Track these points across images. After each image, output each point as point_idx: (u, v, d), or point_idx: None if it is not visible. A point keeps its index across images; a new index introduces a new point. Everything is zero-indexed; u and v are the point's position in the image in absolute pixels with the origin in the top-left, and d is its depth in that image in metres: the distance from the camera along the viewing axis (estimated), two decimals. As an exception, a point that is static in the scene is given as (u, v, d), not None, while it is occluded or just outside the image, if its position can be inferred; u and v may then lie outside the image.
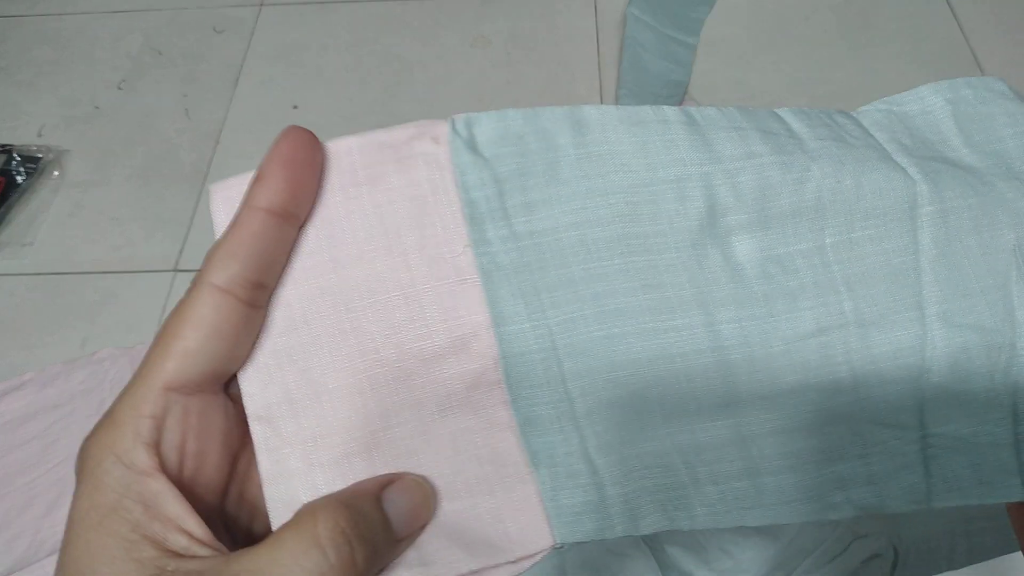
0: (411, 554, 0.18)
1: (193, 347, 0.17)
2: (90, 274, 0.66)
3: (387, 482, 0.18)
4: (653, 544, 0.45)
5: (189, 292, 0.17)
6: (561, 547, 0.18)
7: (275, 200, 0.17)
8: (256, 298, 0.18)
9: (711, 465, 0.19)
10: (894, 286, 0.19)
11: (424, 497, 0.18)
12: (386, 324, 0.18)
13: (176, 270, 0.65)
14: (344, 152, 0.19)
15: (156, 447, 0.17)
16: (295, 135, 0.18)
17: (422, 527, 0.18)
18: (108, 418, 0.17)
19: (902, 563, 0.38)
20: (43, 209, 0.70)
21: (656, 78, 0.71)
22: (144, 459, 0.16)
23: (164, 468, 0.17)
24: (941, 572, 0.38)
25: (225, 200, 0.18)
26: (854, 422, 0.19)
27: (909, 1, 0.77)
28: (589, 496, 0.18)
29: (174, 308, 0.17)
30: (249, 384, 0.18)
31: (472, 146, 0.19)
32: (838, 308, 0.19)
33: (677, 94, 0.71)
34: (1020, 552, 0.24)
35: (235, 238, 0.17)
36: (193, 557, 0.16)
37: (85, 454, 0.17)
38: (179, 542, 0.16)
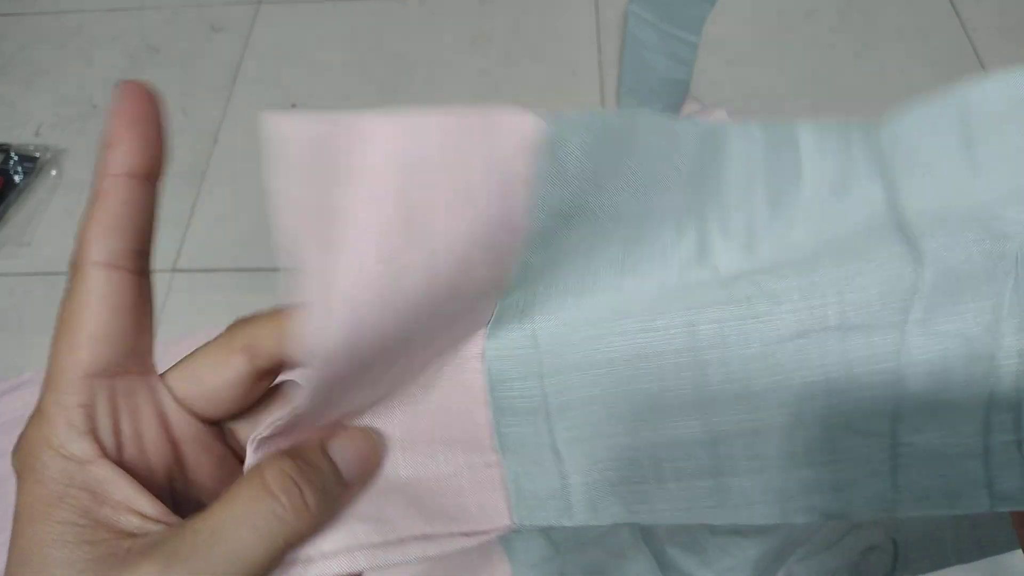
0: (367, 508, 0.18)
1: (102, 330, 0.17)
2: (88, 274, 0.66)
3: (331, 434, 0.18)
4: (653, 545, 0.45)
5: (75, 278, 0.17)
6: (517, 529, 0.19)
7: (136, 163, 0.17)
8: (142, 266, 0.17)
9: (677, 462, 0.19)
10: (884, 289, 0.19)
11: (371, 445, 0.18)
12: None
13: (174, 270, 0.65)
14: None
15: (93, 434, 0.16)
16: (133, 92, 0.17)
17: (372, 473, 0.19)
18: (37, 414, 0.17)
19: (903, 556, 0.38)
20: (41, 209, 0.70)
21: (658, 76, 0.71)
22: (84, 447, 0.16)
23: (105, 454, 0.16)
24: (950, 565, 0.37)
25: (306, 142, 0.14)
26: (825, 427, 0.19)
27: (911, -1, 0.77)
28: (552, 484, 0.19)
29: (66, 297, 0.17)
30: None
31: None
32: (822, 313, 0.19)
33: (679, 92, 0.71)
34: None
35: (107, 210, 0.17)
36: (147, 535, 0.16)
37: (21, 453, 0.16)
38: (132, 523, 0.16)
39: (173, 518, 0.17)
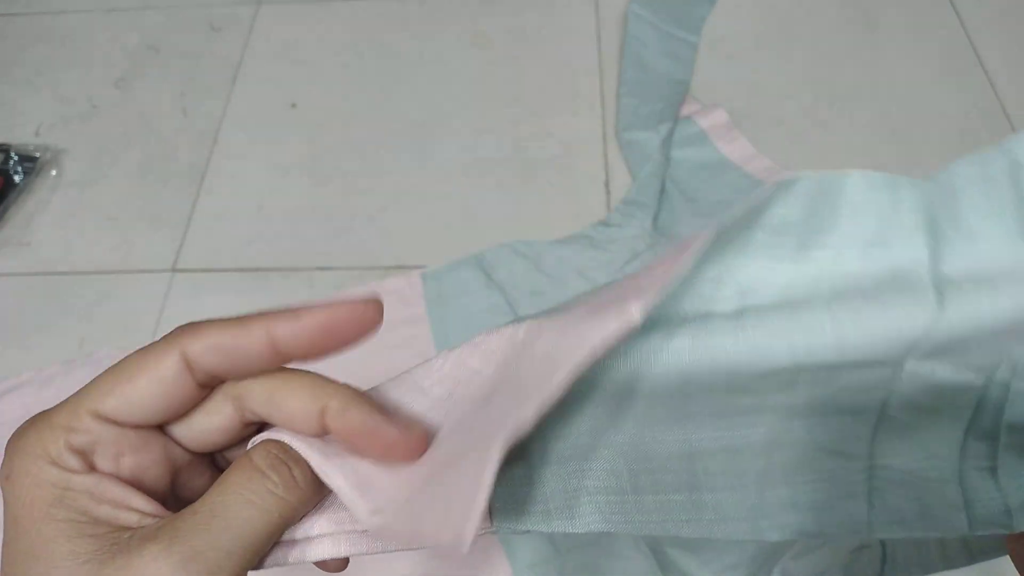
0: None
1: (138, 399, 0.18)
2: (88, 274, 0.66)
3: None
4: (654, 546, 0.45)
5: (163, 345, 0.18)
6: (495, 532, 0.19)
7: (292, 346, 0.18)
8: (210, 384, 0.19)
9: (654, 475, 0.19)
10: (890, 328, 0.17)
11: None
12: None
13: (174, 270, 0.65)
14: None
15: (87, 456, 0.17)
16: (364, 310, 0.18)
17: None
18: (44, 419, 0.17)
19: (891, 558, 0.38)
20: (40, 209, 0.70)
21: (658, 76, 0.71)
22: (75, 463, 0.17)
23: (97, 471, 0.17)
24: (937, 571, 0.37)
25: None
26: (804, 448, 0.18)
27: (911, -2, 0.77)
28: (531, 489, 0.19)
29: (145, 347, 0.18)
30: None
31: None
32: (821, 342, 0.18)
33: (679, 92, 0.71)
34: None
35: (236, 340, 0.18)
36: (146, 527, 0.17)
37: (19, 450, 0.17)
38: (131, 518, 0.17)
39: (168, 513, 0.17)
